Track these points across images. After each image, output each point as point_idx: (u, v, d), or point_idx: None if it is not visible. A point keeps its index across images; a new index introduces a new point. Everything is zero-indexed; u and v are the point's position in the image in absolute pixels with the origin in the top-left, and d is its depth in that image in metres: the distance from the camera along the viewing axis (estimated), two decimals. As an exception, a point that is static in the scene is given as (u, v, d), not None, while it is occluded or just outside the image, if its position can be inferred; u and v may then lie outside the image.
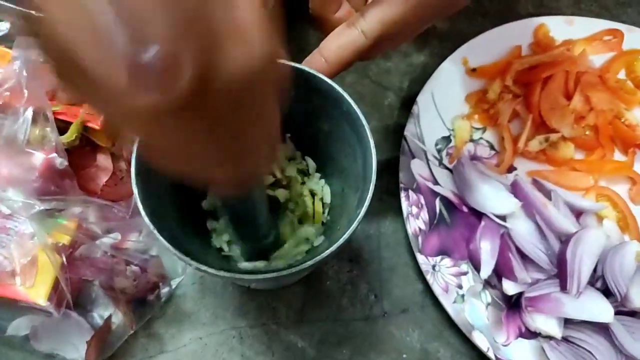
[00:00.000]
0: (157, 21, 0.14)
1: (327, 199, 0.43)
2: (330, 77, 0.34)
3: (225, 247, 0.42)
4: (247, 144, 0.21)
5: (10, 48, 0.47)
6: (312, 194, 0.43)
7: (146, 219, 0.31)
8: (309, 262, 0.31)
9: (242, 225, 0.37)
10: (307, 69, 0.34)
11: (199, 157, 0.20)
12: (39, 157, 0.42)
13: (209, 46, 0.15)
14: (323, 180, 0.43)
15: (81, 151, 0.46)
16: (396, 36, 0.36)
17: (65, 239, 0.43)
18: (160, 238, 0.31)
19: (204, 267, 0.31)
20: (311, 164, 0.43)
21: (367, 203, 0.32)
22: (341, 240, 0.31)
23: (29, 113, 0.39)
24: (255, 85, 0.18)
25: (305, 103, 0.37)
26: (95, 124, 0.45)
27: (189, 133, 0.18)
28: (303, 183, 0.43)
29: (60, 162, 0.43)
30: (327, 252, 0.31)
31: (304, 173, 0.44)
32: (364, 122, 0.34)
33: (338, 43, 0.35)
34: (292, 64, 0.34)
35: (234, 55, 0.16)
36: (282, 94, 0.20)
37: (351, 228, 0.31)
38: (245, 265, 0.41)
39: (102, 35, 0.14)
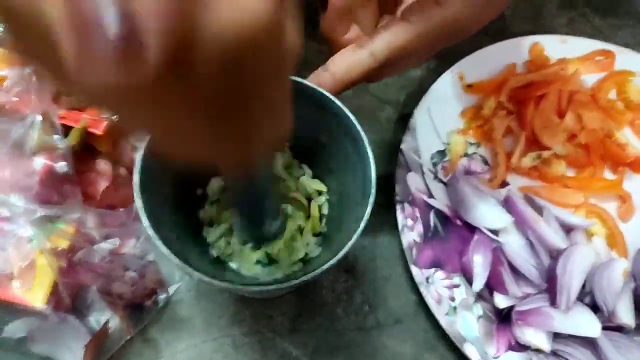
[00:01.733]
0: None
1: (325, 210, 0.44)
2: (335, 95, 0.35)
3: (222, 256, 0.42)
4: (250, 121, 0.18)
5: (13, 52, 0.47)
6: (308, 199, 0.44)
7: (149, 229, 0.32)
8: (309, 275, 0.32)
9: (246, 209, 0.36)
10: (311, 84, 0.35)
11: (197, 136, 0.17)
12: (40, 163, 0.43)
13: (185, 4, 0.12)
14: (321, 184, 0.44)
15: (81, 156, 0.46)
16: (403, 61, 0.37)
17: (64, 244, 0.43)
18: (162, 246, 0.32)
19: (207, 279, 0.31)
20: (308, 171, 0.44)
21: (366, 218, 0.33)
22: (340, 254, 0.32)
23: (38, 119, 0.39)
24: (253, 52, 0.14)
25: (306, 116, 0.37)
26: (97, 129, 0.45)
27: (177, 111, 0.15)
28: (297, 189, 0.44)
29: (60, 166, 0.43)
30: (326, 265, 0.32)
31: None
32: (364, 136, 0.35)
33: (347, 62, 0.36)
34: (296, 78, 0.35)
35: (220, 15, 0.13)
36: (293, 63, 0.18)
37: (350, 242, 0.32)
38: (245, 273, 0.41)
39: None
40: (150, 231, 0.32)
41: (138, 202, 0.32)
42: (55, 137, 0.40)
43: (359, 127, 0.35)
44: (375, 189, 0.34)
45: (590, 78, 0.55)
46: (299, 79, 0.35)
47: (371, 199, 0.34)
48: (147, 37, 0.11)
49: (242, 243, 0.42)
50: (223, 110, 0.16)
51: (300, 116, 0.33)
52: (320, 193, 0.44)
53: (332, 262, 0.32)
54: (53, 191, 0.43)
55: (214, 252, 0.42)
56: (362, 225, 0.33)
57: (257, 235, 0.41)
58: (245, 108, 0.17)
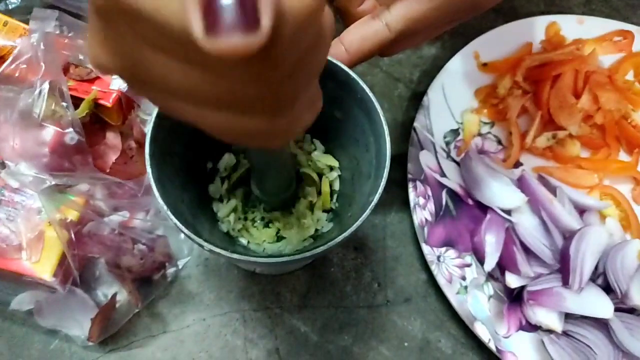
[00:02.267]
0: None
1: (336, 186, 0.43)
2: (348, 67, 0.34)
3: (232, 232, 0.42)
4: (298, 97, 0.19)
5: (21, 21, 0.46)
6: (320, 175, 0.44)
7: (159, 198, 0.32)
8: (320, 249, 0.31)
9: (266, 176, 0.37)
10: None
11: (250, 112, 0.18)
12: (50, 132, 0.42)
13: None
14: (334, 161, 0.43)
15: (91, 128, 0.46)
16: (419, 34, 0.36)
17: (73, 215, 0.43)
18: (172, 216, 0.31)
19: (217, 250, 0.31)
20: (319, 146, 0.43)
21: (381, 189, 0.32)
22: (353, 227, 0.31)
23: (45, 87, 0.38)
24: (309, 28, 0.16)
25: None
26: (107, 101, 0.44)
27: (251, 82, 0.16)
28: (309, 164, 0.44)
29: (71, 137, 0.42)
30: (339, 238, 0.31)
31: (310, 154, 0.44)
32: (379, 109, 0.34)
33: (361, 34, 0.35)
34: None
35: None
36: (330, 40, 0.19)
37: (365, 213, 0.32)
38: (254, 249, 0.41)
39: None
40: (160, 200, 0.31)
41: (149, 172, 0.32)
42: (64, 104, 0.40)
43: (375, 100, 0.34)
44: (390, 163, 0.33)
45: (607, 59, 0.54)
46: None
47: (385, 172, 0.33)
48: (260, 3, 0.13)
49: (260, 206, 0.42)
50: (279, 86, 0.17)
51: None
52: (331, 169, 0.43)
53: (345, 234, 0.31)
54: (64, 160, 0.43)
55: (224, 227, 0.42)
56: (377, 196, 0.32)
57: (274, 198, 0.40)
58: (297, 84, 0.18)
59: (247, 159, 0.43)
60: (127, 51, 0.16)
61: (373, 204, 0.32)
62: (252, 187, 0.40)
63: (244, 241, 0.42)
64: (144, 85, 0.17)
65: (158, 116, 0.34)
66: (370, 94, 0.34)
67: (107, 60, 0.17)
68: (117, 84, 0.45)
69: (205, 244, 0.31)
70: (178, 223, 0.31)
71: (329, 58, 0.35)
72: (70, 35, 0.42)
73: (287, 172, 0.37)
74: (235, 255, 0.31)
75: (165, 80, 0.16)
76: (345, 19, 0.39)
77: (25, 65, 0.39)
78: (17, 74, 0.39)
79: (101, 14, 0.16)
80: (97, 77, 0.45)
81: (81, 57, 0.42)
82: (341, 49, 0.36)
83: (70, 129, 0.39)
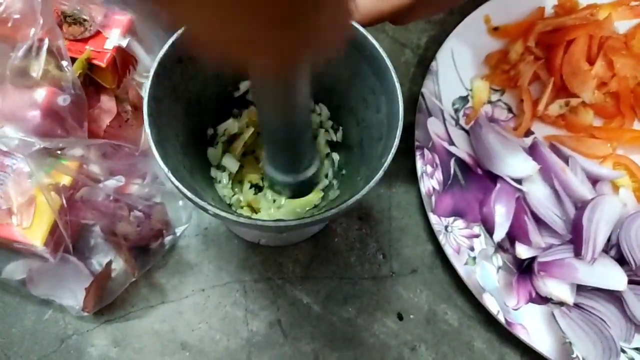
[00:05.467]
0: None
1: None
2: None
3: (228, 198, 0.40)
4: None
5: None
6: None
7: (158, 159, 0.30)
8: (333, 211, 0.29)
9: (282, 145, 0.32)
10: None
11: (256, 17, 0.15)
12: (41, 93, 0.40)
13: None
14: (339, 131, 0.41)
15: (84, 91, 0.43)
16: (436, 3, 0.34)
17: (65, 180, 0.41)
18: (172, 177, 0.29)
19: (223, 213, 0.29)
20: (324, 111, 0.41)
21: (394, 150, 0.31)
22: (367, 188, 0.30)
23: (45, 43, 0.35)
24: None
25: None
26: (101, 62, 0.42)
27: None
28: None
29: (64, 99, 0.40)
30: (352, 200, 0.29)
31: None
32: (390, 66, 0.32)
33: None
34: None
35: None
36: None
37: (378, 174, 0.30)
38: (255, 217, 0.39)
39: None
40: (160, 162, 0.30)
41: (148, 132, 0.30)
42: (64, 62, 0.37)
43: (386, 57, 0.32)
44: (402, 122, 0.31)
45: (623, 25, 0.52)
46: None
47: (399, 132, 0.31)
48: None
49: (276, 192, 0.39)
50: None
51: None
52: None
53: (357, 196, 0.29)
54: (56, 124, 0.40)
55: (222, 193, 0.40)
56: (389, 158, 0.30)
57: (292, 184, 0.36)
58: None
59: (258, 124, 0.40)
60: None
61: (386, 164, 0.30)
62: (266, 168, 0.36)
63: (244, 212, 0.40)
64: None
65: (156, 74, 0.32)
66: (381, 50, 0.32)
67: None
68: (112, 42, 0.42)
69: (210, 207, 0.29)
70: (180, 186, 0.29)
71: None
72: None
73: (307, 139, 0.32)
74: (241, 219, 0.29)
75: None
76: None
77: (18, 16, 0.36)
78: (9, 25, 0.36)
79: None
80: (91, 37, 0.43)
81: (78, 7, 0.40)
82: (351, 5, 0.34)
83: (71, 91, 0.36)
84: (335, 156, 0.41)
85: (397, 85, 0.32)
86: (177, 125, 0.35)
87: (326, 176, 0.41)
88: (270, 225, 0.29)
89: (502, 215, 0.45)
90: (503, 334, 0.44)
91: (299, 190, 0.38)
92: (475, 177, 0.47)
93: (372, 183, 0.30)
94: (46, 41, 0.38)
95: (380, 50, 0.33)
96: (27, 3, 0.36)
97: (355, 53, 0.34)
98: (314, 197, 0.40)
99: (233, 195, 0.40)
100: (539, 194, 0.45)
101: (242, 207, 0.41)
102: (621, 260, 0.43)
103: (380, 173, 0.30)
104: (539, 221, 0.45)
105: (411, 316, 0.44)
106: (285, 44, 0.16)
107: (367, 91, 0.36)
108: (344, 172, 0.41)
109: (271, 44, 0.16)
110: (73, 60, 0.42)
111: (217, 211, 0.29)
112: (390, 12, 0.34)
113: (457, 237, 0.44)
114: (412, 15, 0.35)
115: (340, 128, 0.41)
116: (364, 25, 0.34)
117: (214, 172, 0.41)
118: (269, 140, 0.33)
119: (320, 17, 0.16)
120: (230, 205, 0.40)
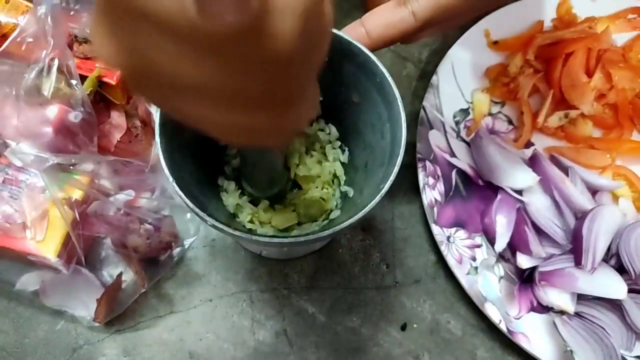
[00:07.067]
0: None
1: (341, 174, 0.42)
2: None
3: (232, 207, 0.41)
4: (296, 91, 0.19)
5: (25, -1, 0.46)
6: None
7: (166, 170, 0.31)
8: (329, 231, 0.30)
9: (255, 173, 0.37)
10: (345, 35, 0.33)
11: (245, 100, 0.17)
12: (53, 110, 0.41)
13: None
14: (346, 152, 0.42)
15: (95, 107, 0.45)
16: (444, 22, 0.35)
17: (77, 194, 0.42)
18: (176, 187, 0.30)
19: (220, 225, 0.30)
20: (333, 131, 0.42)
21: (392, 177, 0.32)
22: (361, 213, 0.30)
23: (55, 63, 0.37)
24: (310, 22, 0.16)
25: (337, 71, 0.36)
26: (111, 79, 0.44)
27: (244, 66, 0.16)
28: (323, 151, 0.43)
29: (75, 115, 0.42)
30: (347, 222, 0.30)
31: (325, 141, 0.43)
32: (398, 96, 0.33)
33: (386, 20, 0.34)
34: (333, 30, 0.33)
35: None
36: (329, 39, 0.19)
37: (374, 201, 0.31)
38: (261, 231, 0.40)
39: None
40: (167, 171, 0.31)
41: (158, 142, 0.31)
42: (73, 82, 0.39)
43: (394, 86, 0.33)
44: (404, 151, 0.32)
45: (621, 37, 0.53)
46: (336, 31, 0.33)
47: (399, 160, 0.32)
48: None
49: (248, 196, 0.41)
50: (290, 78, 0.17)
51: (330, 71, 0.31)
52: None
53: (352, 220, 0.30)
54: (68, 140, 0.42)
55: (228, 204, 0.41)
56: (387, 185, 0.31)
57: (267, 193, 0.40)
58: (306, 77, 0.18)
59: (239, 157, 0.42)
60: (134, 43, 0.15)
61: (384, 191, 0.31)
62: (243, 184, 0.40)
63: (251, 227, 0.41)
64: (149, 81, 0.17)
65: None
66: (390, 79, 0.33)
67: (113, 53, 0.17)
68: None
69: (208, 218, 0.30)
70: (180, 192, 0.30)
71: (349, 39, 0.34)
72: (76, 7, 0.41)
73: (279, 167, 0.37)
74: (237, 233, 0.30)
75: (175, 72, 0.15)
76: (367, 2, 0.38)
77: (31, 39, 0.38)
78: (23, 48, 0.38)
79: (107, 10, 0.16)
80: (101, 55, 0.44)
81: (87, 30, 0.41)
82: (362, 32, 0.35)
83: (81, 108, 0.38)
84: (341, 172, 0.42)
85: (403, 114, 0.33)
86: (187, 136, 0.36)
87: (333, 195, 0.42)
88: (265, 242, 0.30)
89: (503, 225, 0.46)
90: (505, 342, 0.44)
91: (274, 199, 0.41)
92: (476, 188, 0.48)
93: (367, 208, 0.31)
94: (56, 61, 0.39)
95: (389, 78, 0.33)
96: (39, 27, 0.37)
97: (366, 78, 0.35)
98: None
99: (237, 204, 0.41)
100: (539, 205, 0.46)
101: (250, 221, 0.42)
102: (621, 269, 0.44)
103: (377, 198, 0.31)
104: (539, 231, 0.46)
105: (415, 325, 0.45)
106: (281, 130, 0.19)
107: (375, 116, 0.37)
108: (347, 190, 0.42)
109: (268, 131, 0.19)
110: (84, 77, 0.43)
111: (215, 222, 0.30)
112: (399, 36, 0.35)
113: (459, 247, 0.45)
114: (419, 35, 0.36)
115: (347, 149, 0.42)
116: (375, 50, 0.35)
117: (220, 181, 0.42)
118: (247, 166, 0.37)
119: (305, 103, 0.20)
120: (234, 215, 0.41)
